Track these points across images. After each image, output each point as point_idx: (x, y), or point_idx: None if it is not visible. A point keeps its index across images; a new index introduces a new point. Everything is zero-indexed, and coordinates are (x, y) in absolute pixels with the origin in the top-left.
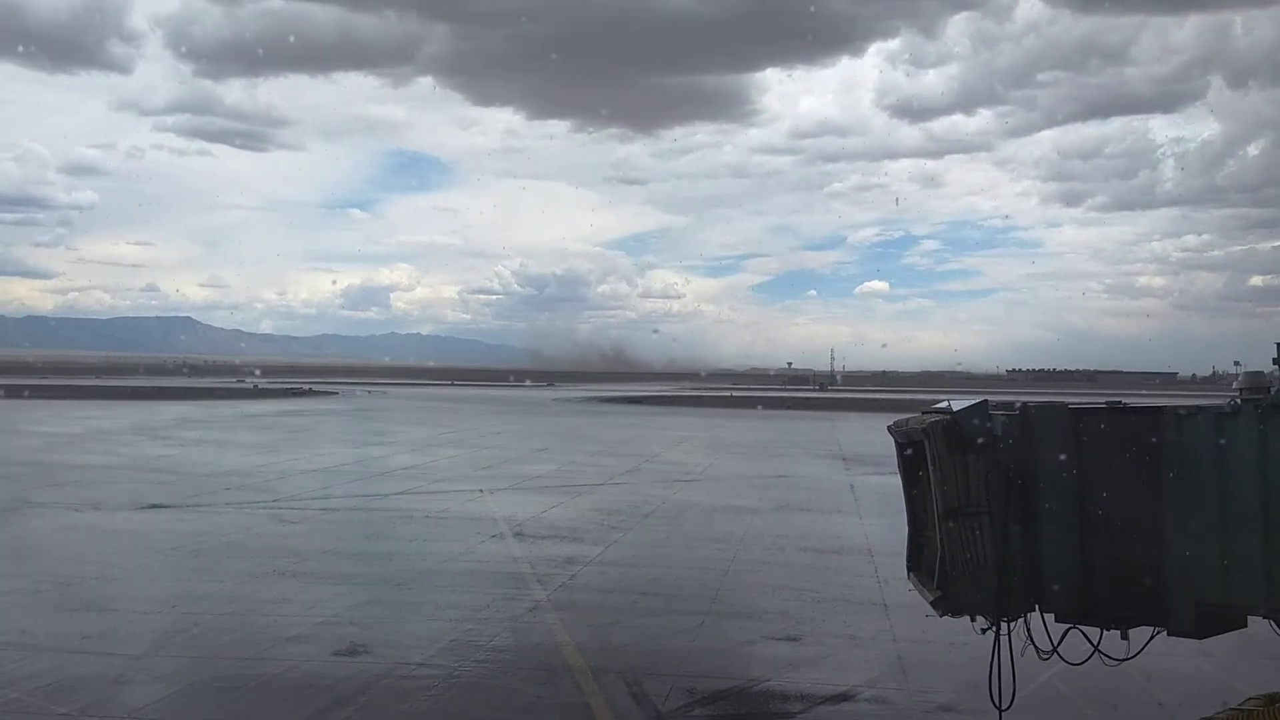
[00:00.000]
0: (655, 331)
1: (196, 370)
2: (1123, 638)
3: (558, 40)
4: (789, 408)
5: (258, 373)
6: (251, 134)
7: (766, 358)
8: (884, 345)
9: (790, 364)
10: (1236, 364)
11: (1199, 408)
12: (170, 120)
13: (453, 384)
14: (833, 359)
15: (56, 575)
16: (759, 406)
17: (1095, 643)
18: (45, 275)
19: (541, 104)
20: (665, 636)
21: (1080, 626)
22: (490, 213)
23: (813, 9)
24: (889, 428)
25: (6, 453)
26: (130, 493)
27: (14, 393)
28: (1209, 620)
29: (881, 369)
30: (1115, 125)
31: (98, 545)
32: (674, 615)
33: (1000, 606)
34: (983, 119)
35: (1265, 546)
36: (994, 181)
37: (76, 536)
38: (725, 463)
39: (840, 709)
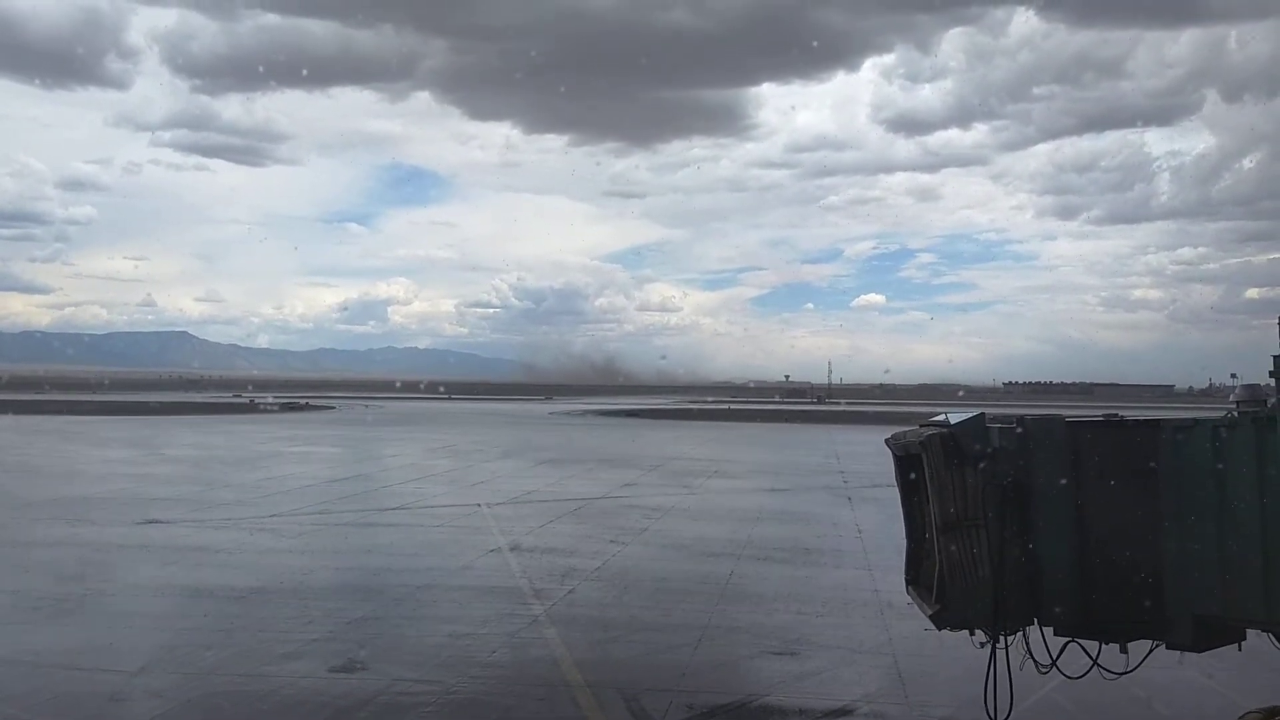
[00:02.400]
0: (663, 358)
1: (194, 385)
2: (1121, 651)
3: (555, 55)
4: (786, 420)
5: (270, 397)
6: (249, 149)
7: (764, 370)
8: (887, 371)
9: (788, 376)
10: (1233, 376)
11: (1196, 420)
12: (167, 135)
13: (450, 397)
14: (830, 372)
15: None
16: (758, 420)
17: (1094, 656)
18: (42, 290)
19: (539, 118)
20: (664, 651)
21: (1079, 640)
22: (488, 226)
23: (809, 24)
24: (886, 441)
25: None
26: None
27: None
28: (1208, 633)
29: (878, 382)
30: (1111, 139)
31: None
32: (672, 630)
33: (999, 620)
34: (978, 133)
35: (1263, 559)
36: (990, 195)
37: None
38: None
39: None
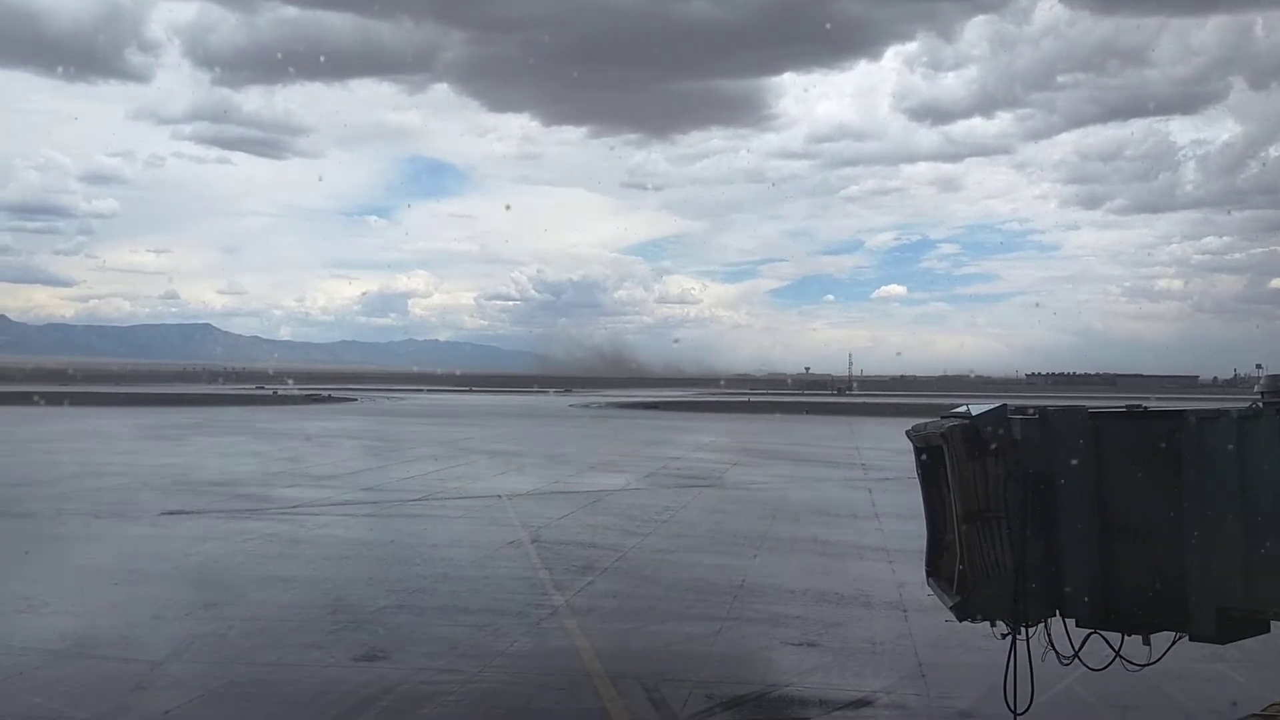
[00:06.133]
0: (676, 341)
1: (216, 377)
2: (1144, 643)
3: (574, 46)
4: (809, 413)
5: (289, 384)
6: (269, 141)
7: (784, 362)
8: (899, 354)
9: (808, 369)
10: (1258, 367)
11: (1220, 411)
12: (188, 128)
13: (471, 390)
14: (850, 364)
15: None
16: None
17: (1116, 648)
18: (66, 283)
19: (557, 110)
20: (684, 642)
21: (1101, 632)
22: (507, 219)
23: (830, 12)
24: (908, 432)
25: None
26: None
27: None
28: (1231, 625)
29: (900, 373)
30: (1135, 127)
31: None
32: (694, 620)
33: (1020, 611)
34: (1002, 122)
35: None
36: (1013, 184)
37: None
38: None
39: (859, 714)
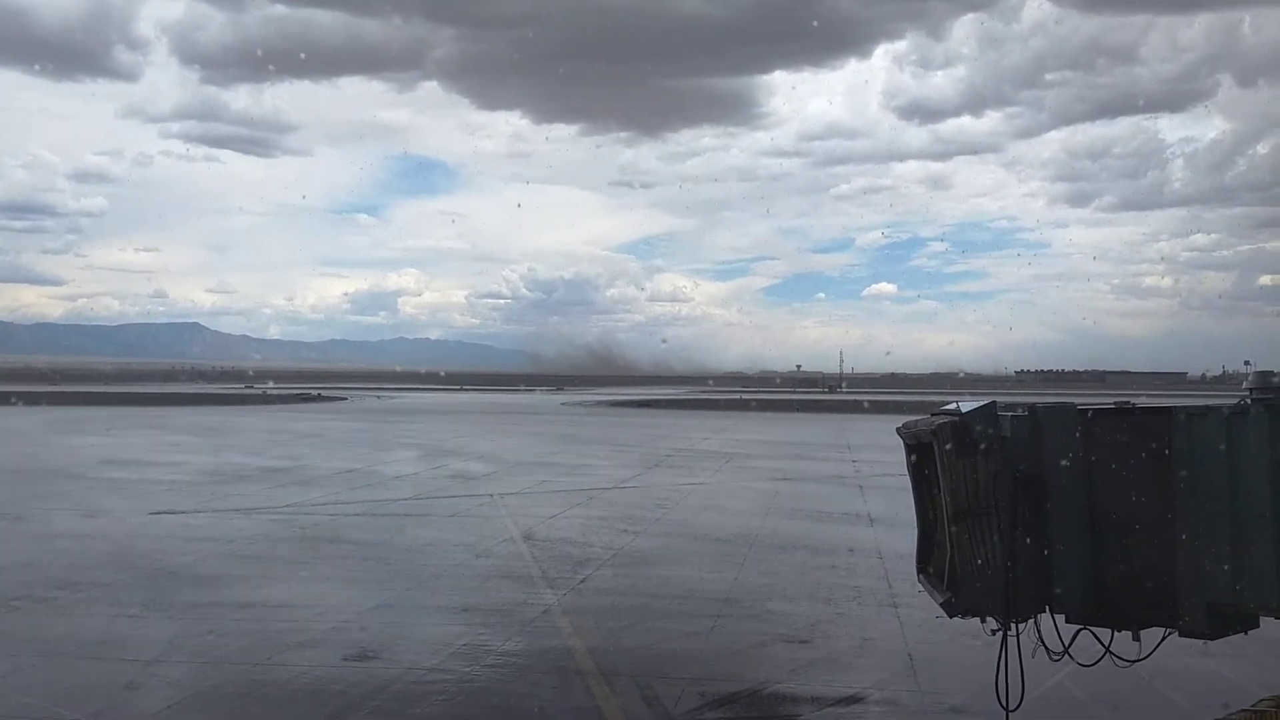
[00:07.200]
0: (664, 342)
1: (203, 376)
2: (1134, 639)
3: (564, 44)
4: (799, 410)
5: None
6: (258, 140)
7: (775, 360)
8: (888, 353)
9: (799, 366)
10: (1246, 363)
11: (1209, 408)
12: (176, 127)
13: (462, 388)
14: (841, 361)
15: None
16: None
17: (1106, 644)
18: (54, 282)
19: (548, 108)
20: (676, 639)
21: (1091, 628)
22: (497, 217)
23: (821, 11)
24: (898, 430)
25: None
26: None
27: None
28: (1221, 621)
29: (890, 371)
30: (1124, 125)
31: None
32: (686, 618)
33: (1010, 608)
34: (991, 120)
35: (1276, 547)
36: (1002, 183)
37: None
38: None
39: (851, 710)
